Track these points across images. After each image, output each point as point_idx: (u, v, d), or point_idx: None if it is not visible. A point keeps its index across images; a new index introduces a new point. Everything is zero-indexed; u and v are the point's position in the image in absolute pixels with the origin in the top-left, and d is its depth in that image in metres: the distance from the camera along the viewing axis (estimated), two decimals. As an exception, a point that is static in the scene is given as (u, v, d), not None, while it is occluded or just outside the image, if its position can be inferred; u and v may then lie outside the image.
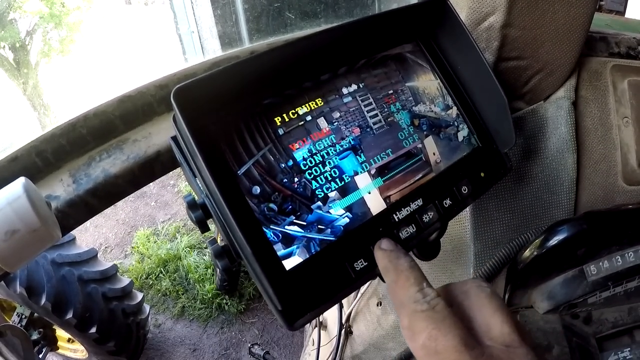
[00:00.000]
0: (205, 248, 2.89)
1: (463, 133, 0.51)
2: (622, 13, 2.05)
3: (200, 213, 0.38)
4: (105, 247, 3.10)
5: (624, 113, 0.62)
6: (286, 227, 0.38)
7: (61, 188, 0.54)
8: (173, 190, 3.47)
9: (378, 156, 0.44)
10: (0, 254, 0.41)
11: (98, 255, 2.02)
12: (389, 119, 0.46)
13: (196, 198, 0.39)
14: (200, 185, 0.38)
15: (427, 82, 0.50)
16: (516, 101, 0.60)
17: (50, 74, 4.37)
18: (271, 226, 0.38)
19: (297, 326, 0.37)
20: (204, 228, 0.39)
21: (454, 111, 0.51)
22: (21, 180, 0.43)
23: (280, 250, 0.37)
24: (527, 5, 0.52)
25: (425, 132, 0.48)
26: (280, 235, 0.38)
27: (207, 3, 1.78)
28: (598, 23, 0.70)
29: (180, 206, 3.32)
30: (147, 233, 3.08)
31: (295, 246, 0.38)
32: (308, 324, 1.28)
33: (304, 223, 0.39)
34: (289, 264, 0.37)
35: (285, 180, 0.39)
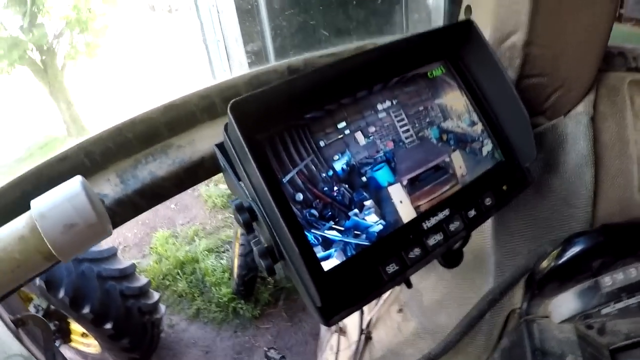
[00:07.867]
0: (223, 252, 2.91)
1: (487, 148, 0.54)
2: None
3: (247, 216, 0.41)
4: (124, 247, 3.14)
5: (641, 129, 0.64)
6: (326, 231, 0.42)
7: (109, 187, 0.57)
8: (193, 194, 3.50)
9: (409, 168, 0.47)
10: (58, 245, 0.45)
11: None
12: (419, 134, 0.49)
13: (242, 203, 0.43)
14: (245, 189, 0.42)
15: (454, 100, 0.53)
16: (537, 117, 0.62)
17: (76, 76, 4.48)
18: (312, 230, 0.41)
19: (332, 322, 0.40)
20: (250, 230, 0.42)
21: (479, 127, 0.54)
22: (79, 178, 0.47)
23: (320, 253, 0.41)
24: (547, 22, 0.54)
25: (452, 147, 0.51)
26: (320, 238, 0.41)
27: (233, 13, 1.83)
28: (618, 35, 0.71)
29: (199, 210, 3.35)
30: (166, 235, 3.11)
31: (333, 249, 0.42)
32: (326, 329, 1.31)
33: (342, 228, 0.43)
34: (327, 265, 0.41)
35: (325, 188, 0.43)
